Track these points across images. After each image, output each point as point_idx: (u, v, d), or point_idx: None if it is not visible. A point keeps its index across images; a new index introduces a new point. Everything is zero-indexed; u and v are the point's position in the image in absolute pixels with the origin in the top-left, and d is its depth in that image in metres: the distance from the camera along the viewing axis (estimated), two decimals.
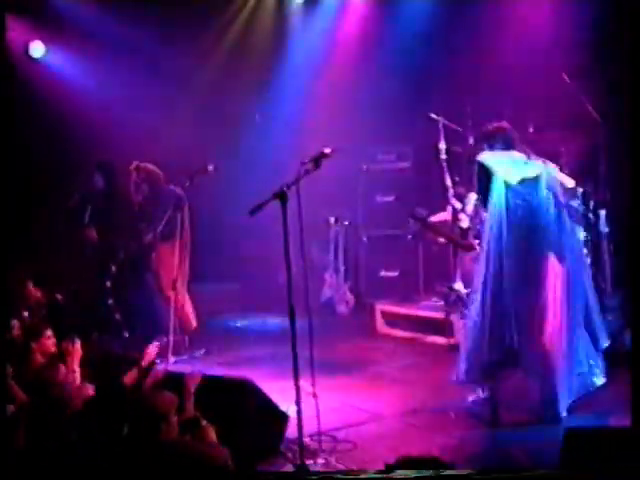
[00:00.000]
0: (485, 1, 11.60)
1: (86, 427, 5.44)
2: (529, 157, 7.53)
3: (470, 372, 7.55)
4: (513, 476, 4.54)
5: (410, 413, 7.75)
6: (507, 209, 7.33)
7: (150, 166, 10.67)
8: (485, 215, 7.67)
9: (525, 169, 7.45)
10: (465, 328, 7.79)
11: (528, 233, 7.37)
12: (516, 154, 7.53)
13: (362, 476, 4.95)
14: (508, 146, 7.59)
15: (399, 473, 4.38)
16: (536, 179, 7.44)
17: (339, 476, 5.18)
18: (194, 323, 10.89)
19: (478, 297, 7.45)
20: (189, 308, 10.89)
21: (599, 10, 10.30)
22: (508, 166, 7.43)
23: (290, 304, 6.21)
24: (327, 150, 6.66)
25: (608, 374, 7.79)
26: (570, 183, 7.93)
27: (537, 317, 7.29)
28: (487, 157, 7.54)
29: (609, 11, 10.10)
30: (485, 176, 7.50)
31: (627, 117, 6.34)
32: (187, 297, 10.92)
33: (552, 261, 7.36)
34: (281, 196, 6.25)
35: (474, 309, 7.52)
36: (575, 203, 9.23)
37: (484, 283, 7.40)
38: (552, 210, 7.43)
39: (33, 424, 5.50)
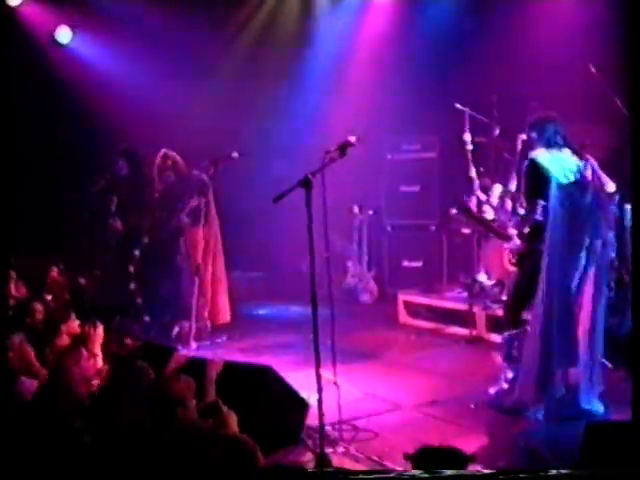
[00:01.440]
0: None
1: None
2: (580, 158, 7.43)
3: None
4: (532, 477, 4.52)
5: (431, 404, 7.73)
6: (560, 209, 7.23)
7: (176, 155, 10.69)
8: (540, 217, 7.48)
9: (576, 171, 7.35)
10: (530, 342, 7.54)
11: (575, 236, 7.29)
12: (568, 153, 7.44)
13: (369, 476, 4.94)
14: (557, 138, 7.49)
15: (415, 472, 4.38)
16: (586, 183, 7.36)
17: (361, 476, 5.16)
18: (226, 315, 10.95)
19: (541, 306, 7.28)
20: (223, 298, 10.96)
21: (631, 6, 10.22)
22: (561, 166, 7.32)
23: (312, 292, 6.19)
24: (352, 139, 6.63)
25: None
26: (612, 188, 7.82)
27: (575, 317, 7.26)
28: (542, 155, 7.41)
29: None
30: (538, 174, 7.37)
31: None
32: (223, 286, 10.99)
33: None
34: (305, 184, 6.21)
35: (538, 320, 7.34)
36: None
37: (548, 292, 7.22)
38: (595, 214, 7.37)
39: (49, 405, 5.55)
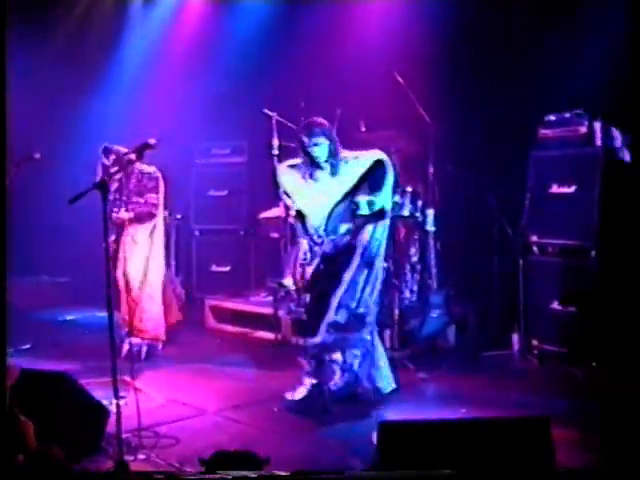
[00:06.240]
0: (322, 2, 11.69)
1: None
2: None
3: None
4: (329, 477, 4.60)
5: (233, 408, 7.73)
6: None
7: None
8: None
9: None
10: None
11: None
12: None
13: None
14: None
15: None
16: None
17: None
18: None
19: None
20: None
21: (439, 11, 10.52)
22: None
23: (108, 297, 6.11)
24: (151, 141, 6.55)
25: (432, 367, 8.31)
26: None
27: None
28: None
29: (450, 12, 10.37)
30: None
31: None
32: None
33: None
34: (102, 186, 6.08)
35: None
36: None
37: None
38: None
39: None
